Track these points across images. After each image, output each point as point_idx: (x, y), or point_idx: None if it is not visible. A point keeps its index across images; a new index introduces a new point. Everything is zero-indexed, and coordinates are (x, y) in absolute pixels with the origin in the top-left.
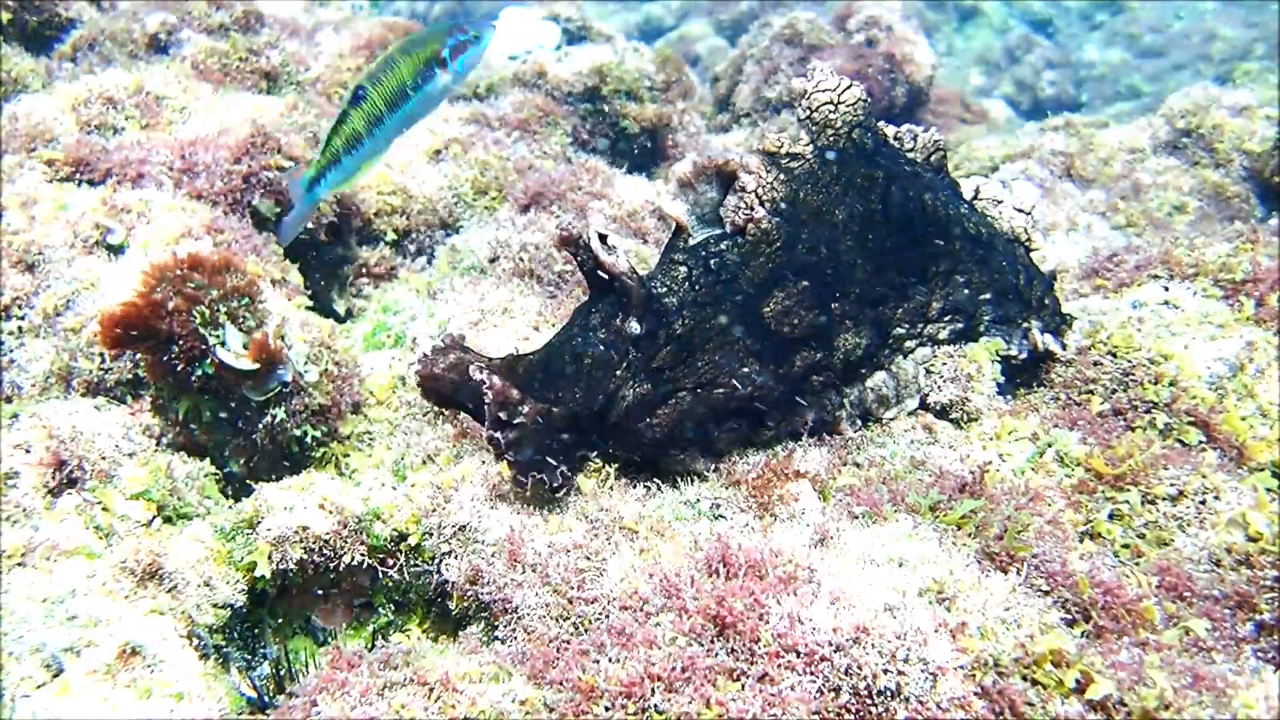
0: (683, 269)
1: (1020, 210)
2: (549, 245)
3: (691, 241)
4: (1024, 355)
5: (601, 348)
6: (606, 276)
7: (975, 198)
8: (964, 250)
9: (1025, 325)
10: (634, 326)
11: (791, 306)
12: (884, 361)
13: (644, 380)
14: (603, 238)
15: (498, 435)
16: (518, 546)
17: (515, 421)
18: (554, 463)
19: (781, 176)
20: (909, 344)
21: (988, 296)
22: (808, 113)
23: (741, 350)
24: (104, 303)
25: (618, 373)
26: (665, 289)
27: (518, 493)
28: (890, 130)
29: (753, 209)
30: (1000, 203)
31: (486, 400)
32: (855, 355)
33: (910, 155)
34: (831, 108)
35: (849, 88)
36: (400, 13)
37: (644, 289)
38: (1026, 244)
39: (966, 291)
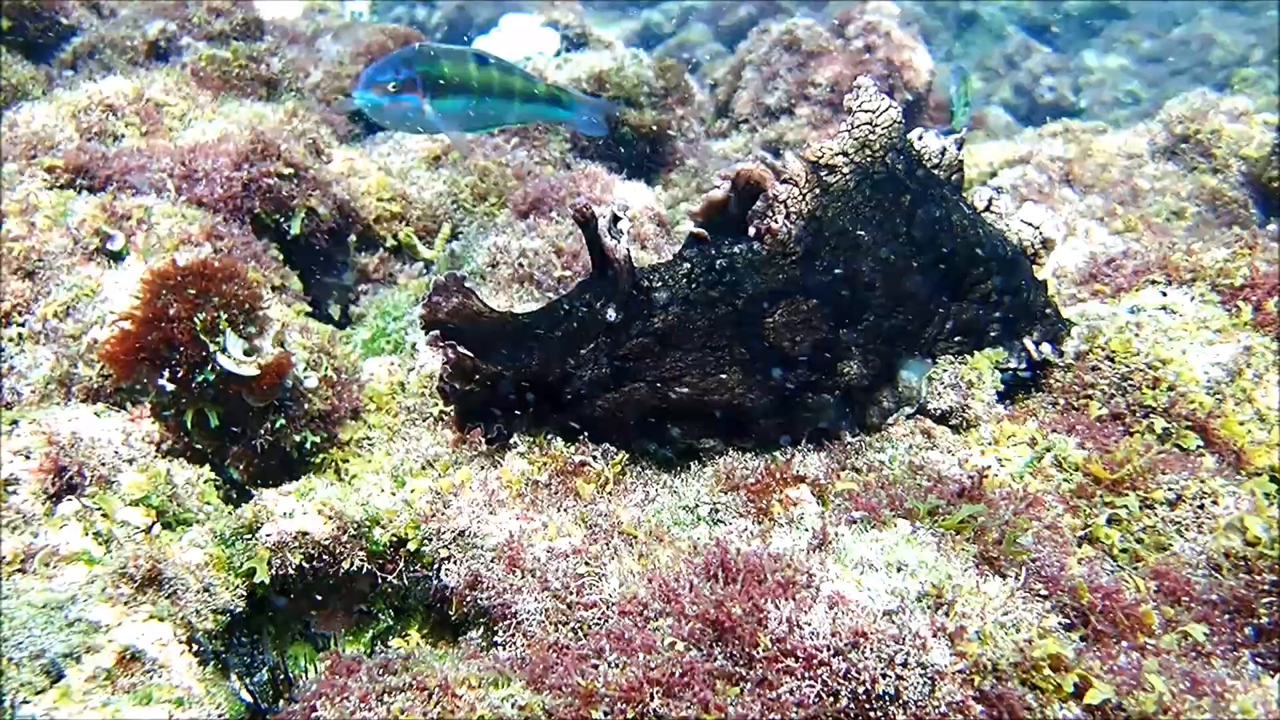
0: (685, 265)
1: (1027, 223)
2: (548, 251)
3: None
4: (1024, 367)
5: (575, 324)
6: (604, 258)
7: (987, 209)
8: (991, 272)
9: (1026, 337)
10: (610, 313)
11: (796, 323)
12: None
13: (605, 365)
14: (615, 219)
15: (445, 388)
16: (517, 552)
17: (462, 386)
18: (495, 417)
19: (816, 191)
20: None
21: (998, 315)
22: (849, 129)
23: (725, 357)
24: (104, 309)
25: (581, 352)
26: (660, 283)
27: (518, 498)
28: (916, 141)
29: (775, 218)
30: (1003, 216)
31: (445, 369)
32: (859, 385)
33: (935, 172)
34: (870, 128)
35: (887, 109)
36: (400, 20)
37: (632, 279)
38: (1033, 257)
39: (982, 311)
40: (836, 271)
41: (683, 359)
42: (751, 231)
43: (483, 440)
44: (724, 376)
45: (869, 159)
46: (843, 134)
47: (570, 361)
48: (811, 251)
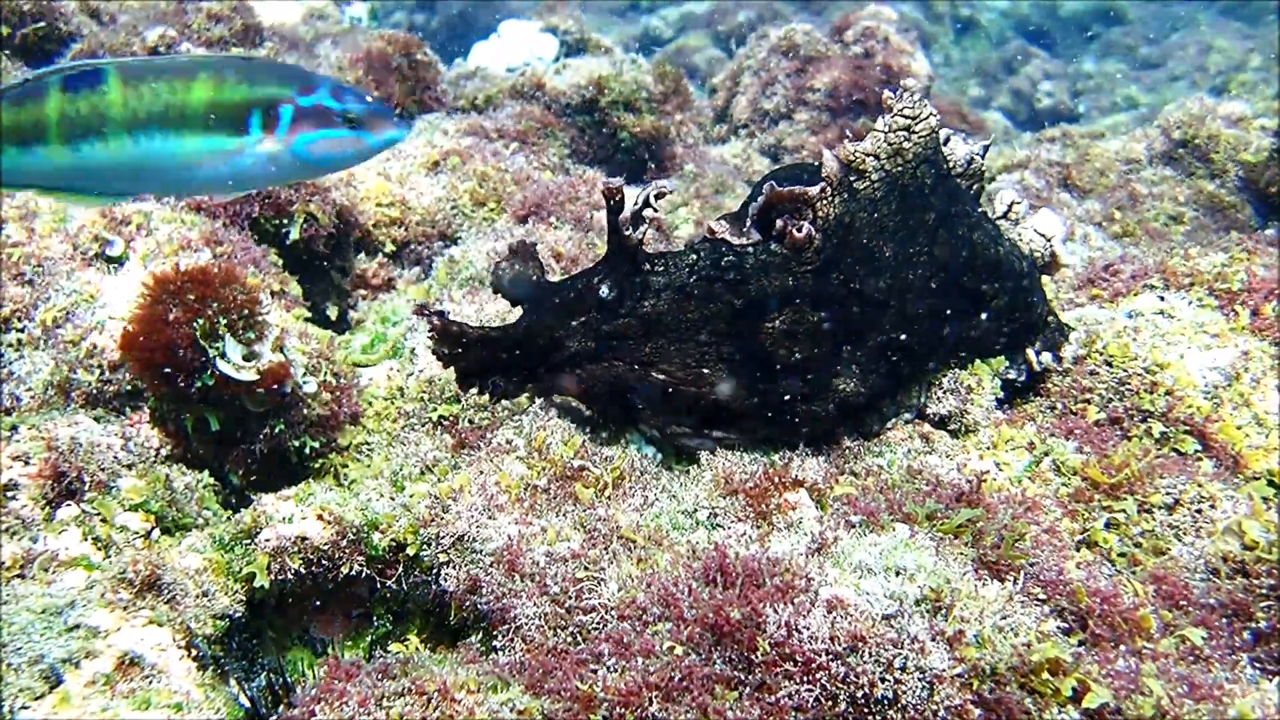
0: (692, 256)
1: (1039, 233)
2: (547, 256)
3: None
4: (1024, 378)
5: (572, 295)
6: (616, 237)
7: (1005, 215)
8: (1007, 291)
9: (1029, 348)
10: (604, 290)
11: (798, 333)
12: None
13: (591, 340)
14: (646, 203)
15: (436, 352)
16: (516, 556)
17: (450, 350)
18: (489, 375)
19: (844, 195)
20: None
21: (1006, 330)
22: (885, 130)
23: (711, 354)
24: (103, 314)
25: (571, 324)
26: (661, 268)
27: (516, 502)
28: (943, 147)
29: (802, 222)
30: (1017, 222)
31: (431, 336)
32: (854, 402)
33: (957, 181)
34: (906, 134)
35: (926, 117)
36: (400, 25)
37: (634, 261)
38: (1043, 269)
39: (991, 328)
40: (852, 285)
41: (665, 347)
42: (779, 225)
43: (480, 395)
44: (705, 371)
45: (900, 168)
46: (876, 135)
47: (560, 331)
48: (831, 262)
